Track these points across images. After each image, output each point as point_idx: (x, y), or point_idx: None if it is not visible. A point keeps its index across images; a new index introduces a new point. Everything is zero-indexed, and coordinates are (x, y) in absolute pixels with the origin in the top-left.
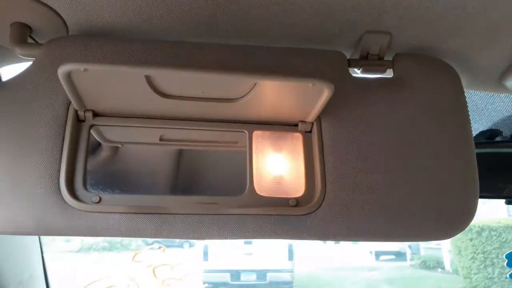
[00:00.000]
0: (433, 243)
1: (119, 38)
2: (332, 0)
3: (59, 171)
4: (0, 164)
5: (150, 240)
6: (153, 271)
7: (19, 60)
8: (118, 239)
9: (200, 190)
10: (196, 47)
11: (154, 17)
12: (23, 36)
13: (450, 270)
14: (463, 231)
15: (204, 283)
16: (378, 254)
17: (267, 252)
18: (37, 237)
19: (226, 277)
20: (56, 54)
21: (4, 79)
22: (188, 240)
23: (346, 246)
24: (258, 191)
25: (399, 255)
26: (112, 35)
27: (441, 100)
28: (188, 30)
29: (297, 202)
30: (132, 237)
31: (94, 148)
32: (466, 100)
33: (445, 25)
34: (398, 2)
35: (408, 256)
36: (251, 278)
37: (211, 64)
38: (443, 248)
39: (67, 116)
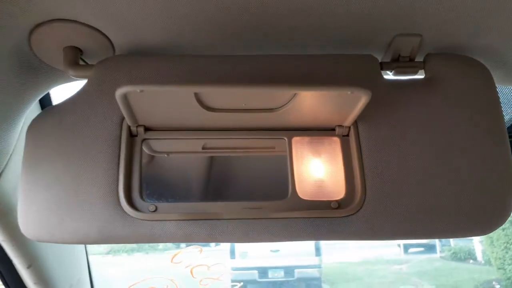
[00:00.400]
0: None
1: (164, 56)
2: (362, 6)
3: (117, 184)
4: (65, 180)
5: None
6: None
7: (70, 80)
8: None
9: (245, 196)
10: (238, 60)
11: (196, 33)
12: (75, 58)
13: (482, 261)
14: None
15: (233, 281)
16: (406, 247)
17: (293, 249)
18: None
19: (254, 275)
20: (107, 74)
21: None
22: None
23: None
24: (300, 195)
25: (429, 248)
26: (157, 53)
27: (473, 97)
28: (227, 44)
29: (339, 205)
30: (187, 242)
31: (145, 160)
32: (499, 96)
33: (475, 24)
34: (428, 4)
35: (438, 248)
36: (279, 275)
37: (253, 76)
38: (474, 239)
39: (121, 132)
